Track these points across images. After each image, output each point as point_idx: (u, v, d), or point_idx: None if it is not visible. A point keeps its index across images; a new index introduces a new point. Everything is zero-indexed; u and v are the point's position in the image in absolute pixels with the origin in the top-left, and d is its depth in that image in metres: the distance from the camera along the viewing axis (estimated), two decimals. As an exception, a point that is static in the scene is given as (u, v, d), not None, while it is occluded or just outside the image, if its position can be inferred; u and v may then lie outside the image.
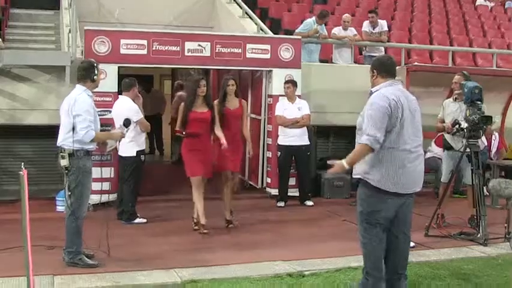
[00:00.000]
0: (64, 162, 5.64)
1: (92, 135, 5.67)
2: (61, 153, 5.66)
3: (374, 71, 4.86)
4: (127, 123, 6.31)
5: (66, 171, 5.67)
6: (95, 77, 5.90)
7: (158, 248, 6.49)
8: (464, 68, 11.59)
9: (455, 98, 7.66)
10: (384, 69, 4.86)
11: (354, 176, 4.92)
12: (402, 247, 4.92)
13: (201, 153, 7.25)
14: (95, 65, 5.96)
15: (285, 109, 9.10)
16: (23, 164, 4.42)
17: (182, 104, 7.40)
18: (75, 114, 5.65)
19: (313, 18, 11.31)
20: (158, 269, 5.66)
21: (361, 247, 4.84)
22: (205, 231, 7.07)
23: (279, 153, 9.17)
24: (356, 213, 4.87)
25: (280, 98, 9.32)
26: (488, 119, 7.08)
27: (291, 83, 9.17)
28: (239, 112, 7.74)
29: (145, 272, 5.54)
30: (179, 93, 12.65)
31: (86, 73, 5.89)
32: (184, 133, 7.32)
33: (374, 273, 4.77)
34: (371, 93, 4.84)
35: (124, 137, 6.38)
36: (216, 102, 7.65)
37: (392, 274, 4.87)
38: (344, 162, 4.76)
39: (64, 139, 5.70)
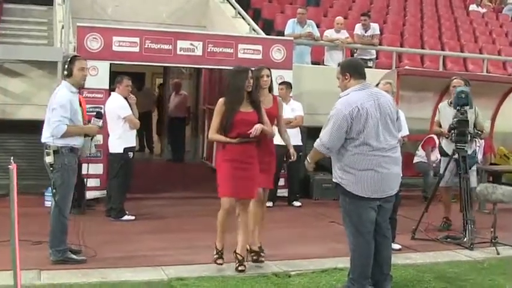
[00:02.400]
0: (49, 159, 5.60)
1: (63, 129, 5.53)
2: (46, 150, 5.61)
3: (347, 74, 4.86)
4: (98, 115, 6.17)
5: (51, 169, 5.62)
6: (65, 72, 5.73)
7: (145, 245, 6.50)
8: (454, 73, 11.72)
9: (451, 102, 7.62)
10: (357, 71, 4.88)
11: (333, 180, 4.98)
12: (387, 249, 5.03)
13: (245, 168, 5.61)
14: (68, 59, 5.79)
15: None
16: (12, 158, 4.43)
17: (221, 101, 5.65)
18: (51, 108, 5.60)
19: (294, 19, 11.35)
20: (145, 266, 5.68)
21: (350, 253, 4.92)
22: (219, 261, 5.71)
23: None
24: (343, 219, 4.93)
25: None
26: (465, 123, 7.06)
27: (285, 84, 9.19)
28: (274, 112, 6.08)
29: (132, 269, 5.55)
30: (184, 92, 12.68)
31: (63, 68, 5.80)
32: (236, 139, 5.54)
33: (360, 280, 4.84)
34: (339, 97, 4.88)
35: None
36: None
37: (379, 275, 4.97)
38: (308, 160, 5.11)
39: (49, 135, 5.62)
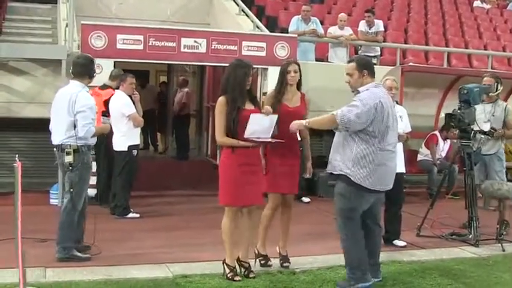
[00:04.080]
0: (69, 159, 5.66)
1: (93, 130, 5.69)
2: (66, 150, 5.65)
3: (365, 70, 4.96)
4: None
5: (70, 168, 5.67)
6: (94, 73, 5.91)
7: (150, 242, 6.51)
8: (459, 69, 11.72)
9: (482, 101, 7.46)
10: (372, 70, 5.02)
11: (333, 172, 5.00)
12: (379, 236, 5.35)
13: (253, 171, 5.25)
14: (93, 60, 5.94)
15: None
16: (17, 156, 4.44)
17: (222, 100, 5.23)
18: (77, 111, 5.59)
19: (299, 16, 11.33)
20: (150, 263, 5.69)
21: (342, 243, 5.04)
22: (237, 278, 5.28)
23: None
24: (335, 209, 5.03)
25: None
26: (451, 117, 7.02)
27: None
28: (302, 112, 5.57)
29: (137, 266, 5.56)
30: (186, 89, 12.66)
31: (85, 69, 5.81)
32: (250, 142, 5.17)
33: (361, 266, 4.97)
34: (358, 92, 4.93)
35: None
36: (268, 95, 5.83)
37: (373, 264, 5.21)
38: (304, 121, 5.09)
39: (65, 136, 5.67)
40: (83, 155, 5.69)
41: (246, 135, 5.09)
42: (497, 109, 7.52)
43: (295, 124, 5.16)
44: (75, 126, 5.61)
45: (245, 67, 5.24)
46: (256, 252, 5.70)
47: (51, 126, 5.86)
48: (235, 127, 5.11)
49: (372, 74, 5.00)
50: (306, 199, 9.29)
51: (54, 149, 5.81)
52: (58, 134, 5.72)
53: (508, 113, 7.54)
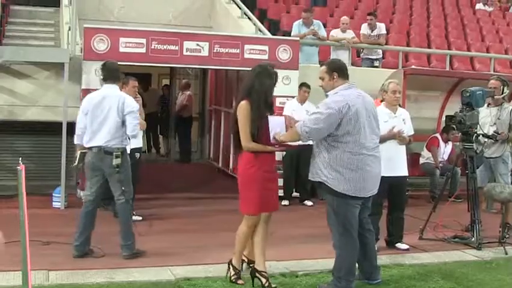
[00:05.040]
0: (117, 161, 5.87)
1: (138, 129, 6.22)
2: (115, 153, 5.85)
3: (335, 73, 4.93)
4: None
5: (118, 169, 5.88)
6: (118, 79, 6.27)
7: (153, 245, 6.50)
8: (461, 72, 11.72)
9: (488, 104, 7.50)
10: (344, 72, 4.97)
11: (313, 180, 5.00)
12: (372, 241, 5.32)
13: (273, 178, 5.29)
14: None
15: (293, 110, 8.95)
16: (20, 159, 4.45)
17: (246, 105, 5.01)
18: (128, 111, 5.92)
19: (300, 20, 11.37)
20: (152, 266, 5.70)
21: (336, 251, 5.01)
22: (240, 282, 5.29)
23: (284, 153, 9.16)
24: (329, 217, 5.00)
25: (277, 98, 9.33)
26: (451, 119, 7.04)
27: (306, 86, 9.24)
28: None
29: (140, 269, 5.58)
30: (188, 92, 12.68)
31: (118, 74, 6.21)
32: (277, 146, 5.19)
33: (348, 277, 4.96)
34: (327, 95, 4.94)
35: None
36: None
37: (369, 268, 5.25)
38: (279, 134, 5.04)
39: (112, 138, 5.89)
40: (126, 156, 6.04)
41: (272, 140, 5.09)
42: (503, 112, 7.50)
43: (274, 135, 5.12)
44: (123, 126, 5.91)
45: (272, 75, 5.13)
46: (246, 260, 5.51)
47: (84, 129, 6.01)
48: (258, 134, 5.01)
49: (343, 76, 4.95)
50: (309, 202, 9.28)
51: (84, 151, 6.00)
52: (101, 137, 5.89)
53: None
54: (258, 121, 5.00)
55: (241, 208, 5.17)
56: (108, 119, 5.91)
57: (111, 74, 6.13)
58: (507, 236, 6.97)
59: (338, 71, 4.96)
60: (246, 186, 5.09)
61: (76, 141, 6.24)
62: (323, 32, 11.35)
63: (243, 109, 5.01)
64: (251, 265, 5.39)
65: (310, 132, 4.81)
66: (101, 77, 6.28)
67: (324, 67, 5.05)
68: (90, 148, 5.98)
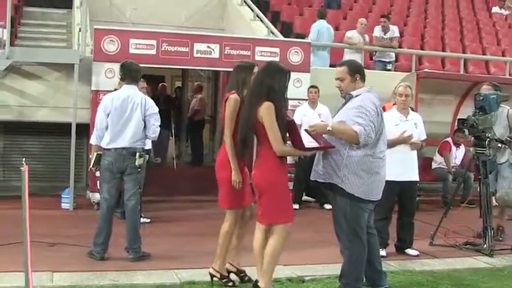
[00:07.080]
0: (140, 161, 5.90)
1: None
2: (139, 153, 5.89)
3: (358, 75, 4.80)
4: None
5: (139, 170, 5.94)
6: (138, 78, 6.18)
7: (158, 248, 6.44)
8: (475, 76, 11.56)
9: None
10: (364, 74, 4.86)
11: (318, 180, 4.80)
12: (376, 244, 5.18)
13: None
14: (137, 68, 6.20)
15: (304, 115, 8.87)
16: (24, 159, 4.43)
17: (271, 106, 4.67)
18: (150, 113, 5.93)
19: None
20: (157, 269, 5.65)
21: (344, 257, 4.89)
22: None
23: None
24: (337, 222, 4.85)
25: (288, 102, 9.26)
26: (463, 122, 6.93)
27: (316, 88, 9.15)
28: None
29: (144, 272, 5.52)
30: (200, 95, 12.65)
31: (139, 75, 6.14)
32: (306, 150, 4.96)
33: (356, 283, 4.85)
34: (351, 97, 4.77)
35: None
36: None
37: (373, 273, 5.12)
38: (329, 125, 4.68)
39: (136, 139, 5.90)
40: (145, 157, 6.12)
41: (306, 145, 4.85)
42: (499, 117, 7.33)
43: (318, 127, 4.81)
44: (145, 127, 5.92)
45: (286, 73, 4.86)
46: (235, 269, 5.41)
47: (105, 129, 5.88)
48: (283, 137, 4.73)
49: (363, 78, 4.82)
50: (328, 206, 9.16)
51: (100, 152, 5.90)
52: (125, 137, 5.85)
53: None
54: (283, 124, 4.70)
55: (281, 219, 4.82)
56: (132, 119, 5.86)
57: (131, 74, 6.04)
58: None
59: (360, 73, 4.82)
60: (280, 194, 4.80)
61: (93, 141, 6.02)
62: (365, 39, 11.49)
63: (269, 111, 4.65)
64: (241, 275, 5.34)
65: (371, 136, 4.53)
66: (119, 76, 6.36)
67: (344, 67, 4.83)
68: (110, 149, 5.84)
